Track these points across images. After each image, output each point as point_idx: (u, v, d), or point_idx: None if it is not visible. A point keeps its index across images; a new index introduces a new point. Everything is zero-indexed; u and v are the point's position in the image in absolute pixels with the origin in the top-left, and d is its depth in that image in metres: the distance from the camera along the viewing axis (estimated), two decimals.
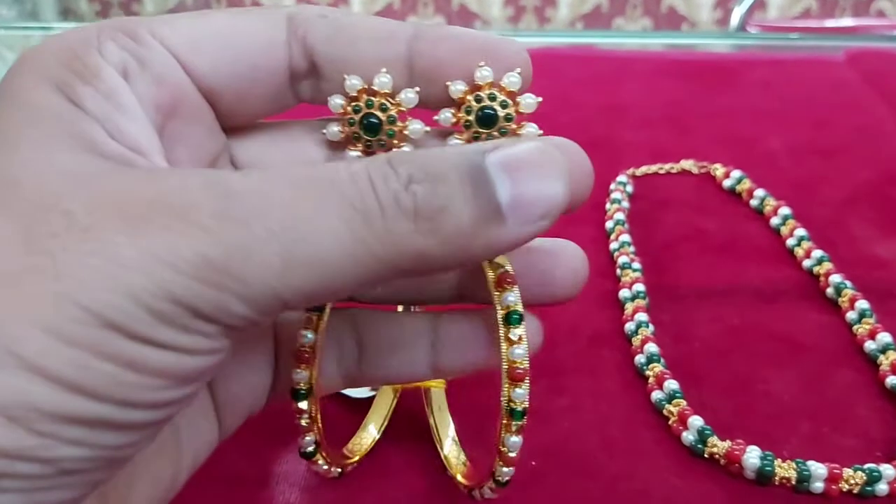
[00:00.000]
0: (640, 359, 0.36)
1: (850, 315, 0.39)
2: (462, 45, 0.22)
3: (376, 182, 0.17)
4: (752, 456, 0.31)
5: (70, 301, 0.15)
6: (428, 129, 0.22)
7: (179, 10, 2.17)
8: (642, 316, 0.38)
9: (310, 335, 0.23)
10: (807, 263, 0.43)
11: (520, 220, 0.18)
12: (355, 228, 0.17)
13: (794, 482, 0.30)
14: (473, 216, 0.18)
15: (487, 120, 0.21)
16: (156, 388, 0.17)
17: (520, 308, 0.22)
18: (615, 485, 0.31)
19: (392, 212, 0.17)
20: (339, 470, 0.28)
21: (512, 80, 0.21)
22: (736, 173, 0.50)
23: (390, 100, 0.22)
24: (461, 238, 0.18)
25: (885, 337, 0.37)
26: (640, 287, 0.40)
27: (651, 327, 0.38)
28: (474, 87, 0.21)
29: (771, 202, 0.47)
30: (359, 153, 0.23)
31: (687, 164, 0.52)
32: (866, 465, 0.31)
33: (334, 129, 0.23)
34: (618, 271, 0.42)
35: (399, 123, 0.22)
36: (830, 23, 1.83)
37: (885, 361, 0.36)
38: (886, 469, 0.30)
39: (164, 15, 0.22)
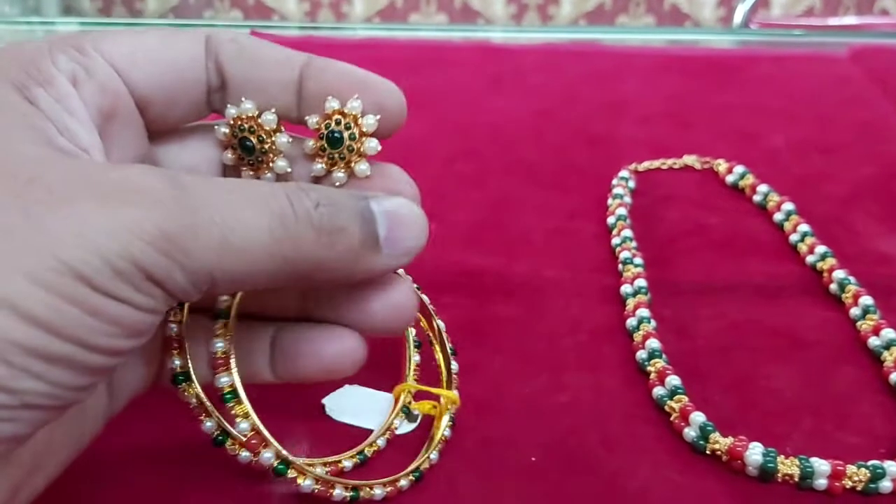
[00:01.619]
0: (641, 354, 0.36)
1: (854, 311, 0.38)
2: (343, 77, 0.26)
3: (293, 198, 0.22)
4: (755, 452, 0.30)
5: (50, 254, 0.19)
6: (290, 139, 0.27)
7: (182, 7, 2.17)
8: (644, 311, 0.38)
9: (174, 327, 0.26)
10: (810, 259, 0.42)
11: (391, 253, 0.24)
12: (274, 229, 0.22)
13: (797, 479, 0.30)
14: (361, 240, 0.23)
15: (334, 141, 0.26)
16: (110, 335, 0.20)
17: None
18: (615, 481, 0.30)
19: (303, 222, 0.22)
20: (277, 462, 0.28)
21: (353, 104, 0.26)
22: (739, 169, 0.50)
23: (256, 122, 0.26)
24: (350, 255, 0.23)
25: (889, 333, 0.36)
26: (641, 282, 0.40)
27: (653, 323, 0.37)
28: (325, 116, 0.26)
29: (774, 198, 0.47)
30: (247, 169, 0.27)
31: (689, 159, 0.52)
32: (870, 462, 0.30)
33: (222, 131, 0.27)
34: (619, 266, 0.42)
35: (268, 140, 0.26)
36: (834, 21, 1.82)
37: (889, 358, 0.35)
38: (891, 466, 0.30)
39: (107, 30, 0.26)
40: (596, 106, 0.60)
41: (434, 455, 0.31)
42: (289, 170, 0.26)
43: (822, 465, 0.30)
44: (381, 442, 0.32)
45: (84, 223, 0.19)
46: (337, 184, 0.26)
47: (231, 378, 0.26)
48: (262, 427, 0.27)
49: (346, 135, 0.26)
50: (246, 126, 0.26)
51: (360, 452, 0.31)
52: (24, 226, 0.19)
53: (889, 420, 0.33)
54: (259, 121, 0.26)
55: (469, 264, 0.43)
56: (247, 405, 0.27)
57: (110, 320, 0.20)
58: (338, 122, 0.26)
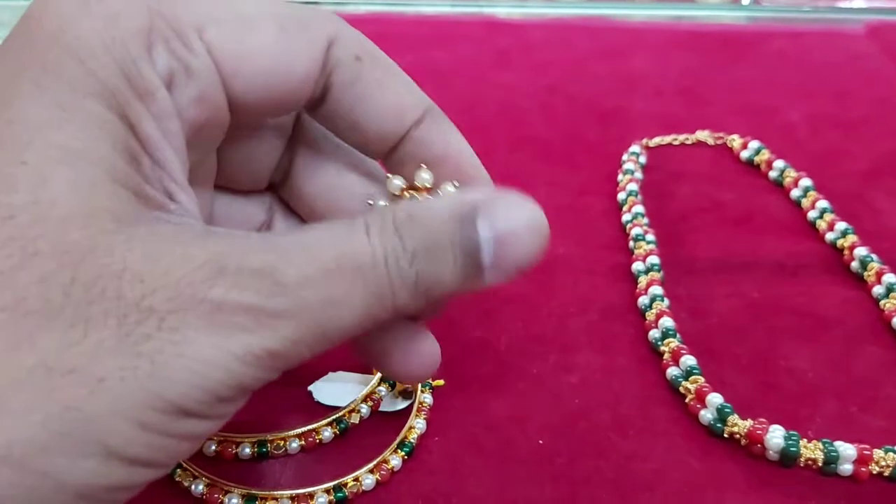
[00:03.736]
0: (654, 334, 0.34)
1: (877, 289, 0.37)
2: (447, 153, 0.24)
3: (390, 263, 0.20)
4: (776, 436, 0.29)
5: (160, 397, 0.18)
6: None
7: None
8: (657, 289, 0.36)
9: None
10: (830, 236, 0.41)
11: (495, 275, 0.21)
12: (370, 307, 0.20)
13: (820, 464, 0.28)
14: (458, 281, 0.21)
15: None
16: (193, 448, 0.20)
17: None
18: (628, 465, 0.29)
19: (400, 293, 0.20)
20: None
21: (447, 189, 0.23)
22: (754, 144, 0.48)
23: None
24: (444, 296, 0.21)
25: None
26: (654, 259, 0.38)
27: (666, 301, 0.36)
28: (411, 187, 0.24)
29: (791, 174, 0.45)
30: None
31: (702, 135, 0.50)
32: None
33: (397, 183, 0.24)
34: (630, 243, 0.40)
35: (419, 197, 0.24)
36: (844, 3, 1.80)
37: None
38: None
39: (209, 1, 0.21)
40: (605, 81, 0.58)
41: (421, 423, 0.30)
42: (429, 184, 0.24)
43: (847, 450, 0.28)
44: (364, 410, 0.30)
45: (196, 358, 0.18)
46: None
47: None
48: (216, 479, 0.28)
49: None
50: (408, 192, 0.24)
51: (340, 420, 0.30)
52: (137, 368, 0.17)
53: None
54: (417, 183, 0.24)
55: None
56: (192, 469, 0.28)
57: (197, 436, 0.19)
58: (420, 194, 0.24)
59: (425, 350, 0.24)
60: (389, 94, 0.23)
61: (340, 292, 0.19)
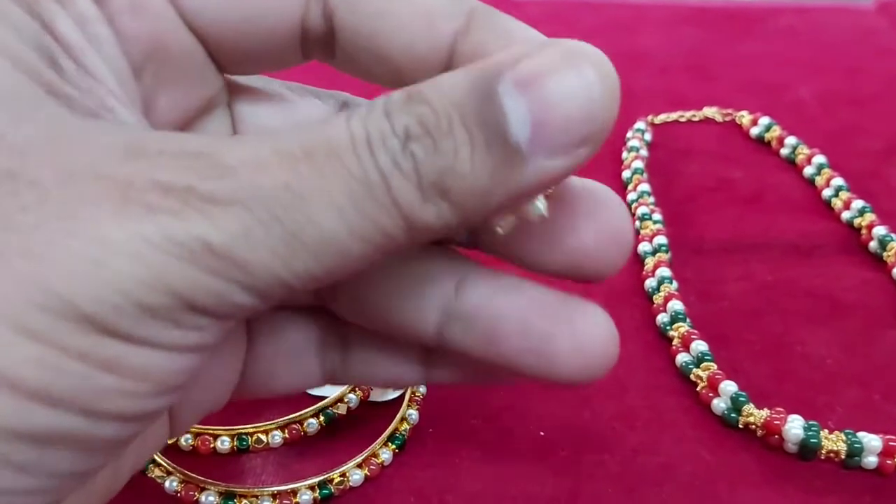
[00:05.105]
0: (662, 318, 0.32)
1: None
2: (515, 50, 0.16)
3: (374, 143, 0.14)
4: (795, 426, 0.27)
5: (41, 287, 0.13)
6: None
7: None
8: (665, 271, 0.34)
9: None
10: (846, 215, 0.39)
11: (546, 152, 0.14)
12: (360, 204, 0.14)
13: (843, 456, 0.26)
14: (486, 169, 0.14)
15: None
16: (132, 395, 0.14)
17: None
18: (635, 458, 0.27)
19: (396, 181, 0.14)
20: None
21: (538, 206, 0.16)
22: (764, 120, 0.46)
23: None
24: (475, 198, 0.14)
25: None
26: (661, 240, 0.36)
27: (674, 283, 0.34)
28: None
29: (804, 150, 0.43)
30: None
31: (710, 111, 0.48)
32: None
33: (510, 222, 0.16)
34: (636, 223, 0.38)
35: None
36: None
37: None
38: None
39: None
40: (609, 57, 0.56)
41: (413, 414, 0.28)
42: (545, 214, 0.16)
43: (872, 441, 0.26)
44: (352, 399, 0.28)
45: (94, 240, 0.13)
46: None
47: None
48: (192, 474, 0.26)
49: None
50: None
51: (326, 411, 0.28)
52: (4, 245, 0.13)
53: None
54: None
55: None
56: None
57: (134, 373, 0.14)
58: None
59: (592, 332, 0.17)
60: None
61: (309, 182, 0.14)
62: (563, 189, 0.17)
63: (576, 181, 0.17)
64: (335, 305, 0.20)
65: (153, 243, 0.13)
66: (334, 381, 0.21)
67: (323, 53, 0.19)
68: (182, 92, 0.18)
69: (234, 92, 0.20)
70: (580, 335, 0.17)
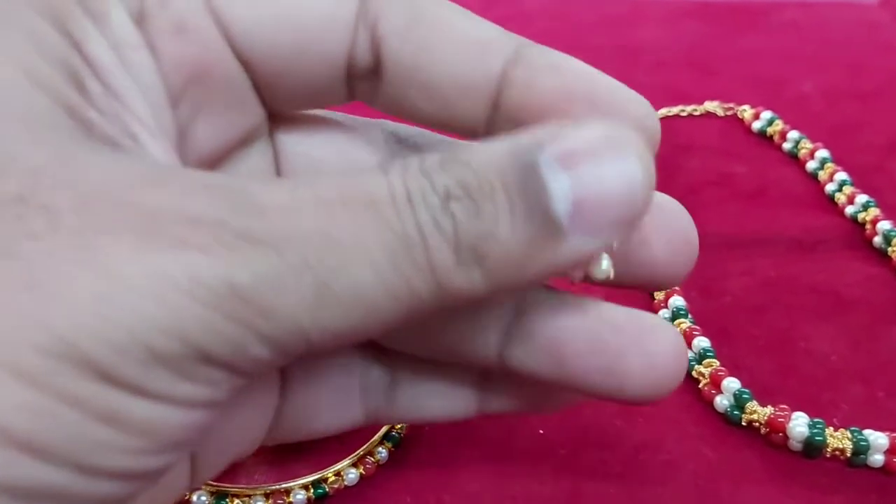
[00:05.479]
0: (664, 314, 0.32)
1: None
2: (568, 88, 0.16)
3: (415, 200, 0.14)
4: (800, 424, 0.26)
5: (43, 325, 0.12)
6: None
7: None
8: None
9: None
10: (850, 210, 0.38)
11: (586, 230, 0.14)
12: (395, 259, 0.14)
13: (848, 454, 0.26)
14: (525, 238, 0.14)
15: None
16: (131, 451, 0.13)
17: None
18: (637, 457, 0.27)
19: (433, 240, 0.14)
20: None
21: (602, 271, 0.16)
22: (766, 114, 0.45)
23: None
24: (510, 268, 0.14)
25: None
26: None
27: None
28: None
29: (807, 145, 0.43)
30: None
31: (711, 105, 0.48)
32: None
33: (605, 267, 0.15)
34: None
35: None
36: None
37: None
38: None
39: None
40: (607, 52, 0.56)
41: None
42: (611, 276, 0.16)
43: (879, 439, 0.26)
44: None
45: (107, 274, 0.12)
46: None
47: None
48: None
49: None
50: None
51: None
52: (8, 274, 0.12)
53: None
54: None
55: None
56: None
57: (136, 428, 0.13)
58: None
59: (663, 349, 0.16)
60: (462, 28, 0.17)
61: (346, 231, 0.13)
62: (619, 320, 0.17)
63: None
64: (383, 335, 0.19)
65: (175, 282, 0.12)
66: (378, 422, 0.20)
67: (367, 89, 0.18)
68: (222, 121, 0.18)
69: (277, 122, 0.19)
70: (651, 352, 0.16)
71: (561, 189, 0.14)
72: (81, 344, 0.12)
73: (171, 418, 0.13)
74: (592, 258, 0.15)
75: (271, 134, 0.19)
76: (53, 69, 0.14)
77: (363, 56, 0.17)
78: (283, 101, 0.18)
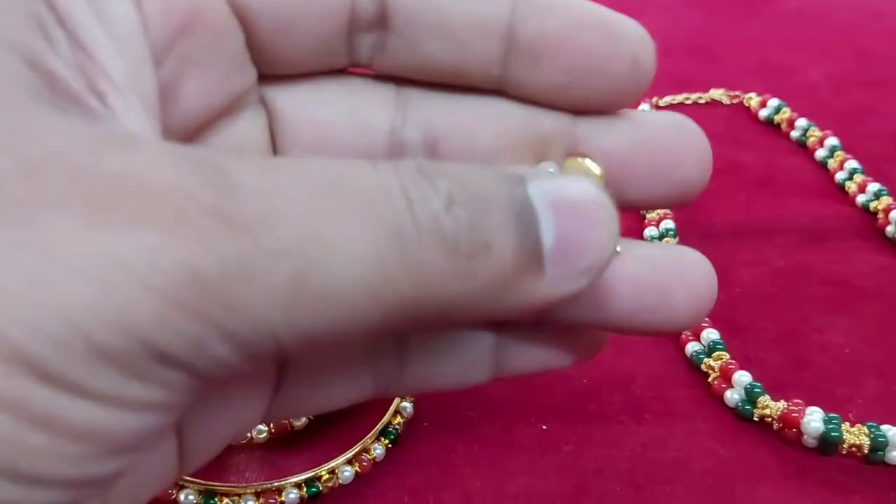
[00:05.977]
0: None
1: None
2: (574, 19, 0.16)
3: (414, 198, 0.13)
4: (815, 419, 0.25)
5: None
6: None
7: None
8: (668, 223, 0.33)
9: None
10: (861, 199, 0.37)
11: (560, 272, 0.14)
12: (384, 257, 0.12)
13: (866, 451, 0.25)
14: (515, 259, 0.14)
15: None
16: (73, 458, 0.11)
17: None
18: (645, 455, 0.26)
19: (429, 238, 0.13)
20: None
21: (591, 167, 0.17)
22: (773, 102, 0.45)
23: None
24: (495, 288, 0.14)
25: None
26: (669, 224, 0.35)
27: (676, 238, 0.33)
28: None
29: (815, 133, 0.42)
30: None
31: (717, 93, 0.47)
32: None
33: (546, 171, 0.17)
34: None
35: None
36: None
37: None
38: None
39: None
40: None
41: (407, 407, 0.26)
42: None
43: None
44: None
45: (48, 254, 0.11)
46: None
47: None
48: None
49: None
50: None
51: None
52: None
53: None
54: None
55: None
56: None
57: (77, 432, 0.11)
58: None
59: (703, 279, 0.17)
60: None
61: (330, 219, 0.12)
62: (657, 257, 0.17)
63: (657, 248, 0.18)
64: None
65: (125, 266, 0.11)
66: (388, 393, 0.19)
67: (370, 46, 0.17)
68: (210, 82, 0.16)
69: (273, 84, 0.18)
70: (693, 283, 0.17)
71: (547, 223, 0.14)
72: (13, 336, 0.10)
73: (118, 422, 0.11)
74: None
75: (266, 98, 0.18)
76: (14, 14, 0.13)
77: (366, 5, 0.16)
78: (278, 60, 0.17)
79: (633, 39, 0.17)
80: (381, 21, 0.16)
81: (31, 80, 0.12)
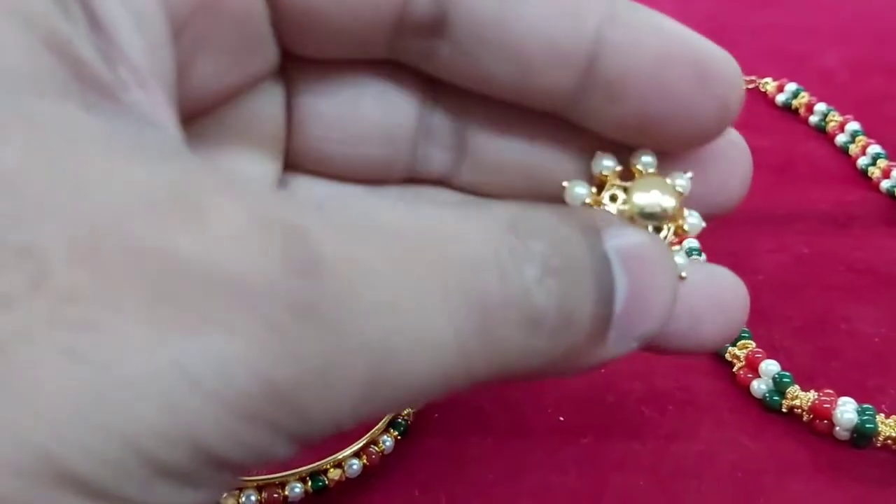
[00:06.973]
0: None
1: None
2: (664, 54, 0.14)
3: (506, 265, 0.12)
4: (848, 410, 0.24)
5: (13, 435, 0.09)
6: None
7: None
8: (692, 242, 0.31)
9: None
10: (885, 184, 0.36)
11: (618, 337, 0.13)
12: (465, 335, 0.11)
13: None
14: (591, 328, 0.13)
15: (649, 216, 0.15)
16: None
17: None
18: (668, 448, 0.25)
19: (515, 315, 0.12)
20: None
21: (681, 183, 0.15)
22: (791, 87, 0.43)
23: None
24: (566, 358, 0.13)
25: None
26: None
27: (703, 256, 0.31)
28: (645, 216, 0.15)
29: (836, 118, 0.41)
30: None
31: None
32: None
33: (580, 192, 0.15)
34: None
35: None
36: None
37: None
38: None
39: None
40: None
41: None
42: (703, 224, 0.15)
43: None
44: None
45: (94, 368, 0.09)
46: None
47: None
48: None
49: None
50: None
51: None
52: None
53: None
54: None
55: None
56: None
57: None
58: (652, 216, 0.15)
59: (736, 304, 0.16)
60: None
61: (417, 306, 0.11)
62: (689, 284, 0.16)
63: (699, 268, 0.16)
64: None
65: (193, 379, 0.09)
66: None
67: (414, 49, 0.15)
68: (229, 61, 0.15)
69: (295, 67, 0.16)
70: (726, 309, 0.16)
71: (621, 284, 0.13)
72: (63, 458, 0.09)
73: None
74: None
75: (288, 80, 0.16)
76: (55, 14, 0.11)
77: (423, 8, 0.14)
78: (305, 45, 0.15)
79: (723, 79, 0.15)
80: (438, 28, 0.14)
81: (56, 70, 0.10)
